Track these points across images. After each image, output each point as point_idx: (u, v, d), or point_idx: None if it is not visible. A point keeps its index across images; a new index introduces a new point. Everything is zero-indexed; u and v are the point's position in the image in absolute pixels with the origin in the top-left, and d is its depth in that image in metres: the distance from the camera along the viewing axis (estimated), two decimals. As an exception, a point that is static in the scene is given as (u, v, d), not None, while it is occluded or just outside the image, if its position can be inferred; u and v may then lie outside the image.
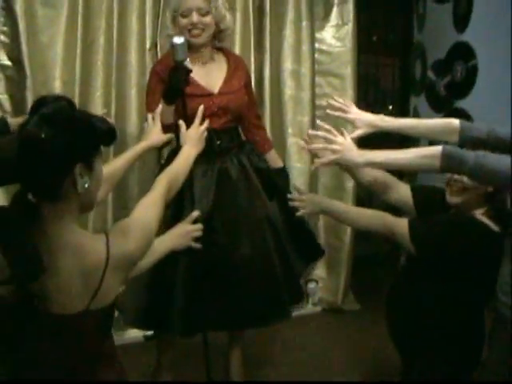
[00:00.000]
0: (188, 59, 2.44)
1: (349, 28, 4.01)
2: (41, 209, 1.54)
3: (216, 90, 2.73)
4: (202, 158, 2.60)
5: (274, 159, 3.01)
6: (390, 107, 4.81)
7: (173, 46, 2.42)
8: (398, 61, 4.55)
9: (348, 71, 4.01)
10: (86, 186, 1.54)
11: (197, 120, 2.34)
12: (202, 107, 2.41)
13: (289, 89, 3.92)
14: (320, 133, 2.28)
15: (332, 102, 2.45)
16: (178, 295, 2.62)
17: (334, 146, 2.18)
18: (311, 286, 4.00)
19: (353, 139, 2.25)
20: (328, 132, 2.23)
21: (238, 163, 2.79)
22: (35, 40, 3.22)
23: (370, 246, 4.19)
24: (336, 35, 4.03)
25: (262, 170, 2.86)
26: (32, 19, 3.21)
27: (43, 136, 1.46)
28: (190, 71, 2.47)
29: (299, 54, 3.92)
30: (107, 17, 3.40)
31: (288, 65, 3.90)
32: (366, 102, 4.56)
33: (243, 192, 2.77)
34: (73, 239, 1.53)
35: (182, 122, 2.36)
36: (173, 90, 2.48)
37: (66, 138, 1.48)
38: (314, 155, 2.63)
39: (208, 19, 2.67)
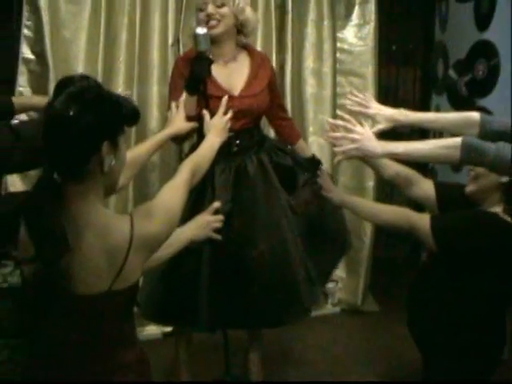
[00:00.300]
0: (210, 49, 2.45)
1: (370, 27, 4.00)
2: (66, 188, 1.54)
3: (237, 92, 2.70)
4: (221, 158, 2.61)
5: (303, 149, 3.00)
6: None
7: (195, 36, 2.43)
8: (418, 69, 4.50)
9: (369, 70, 4.01)
10: (112, 163, 1.55)
11: (221, 109, 2.34)
12: (226, 97, 2.41)
13: (310, 87, 3.92)
14: (339, 122, 2.28)
15: (351, 97, 2.44)
16: (203, 289, 2.59)
17: (354, 135, 2.17)
18: (330, 286, 3.97)
19: (374, 134, 2.24)
20: (347, 122, 2.22)
21: (257, 160, 2.77)
22: (58, 35, 3.25)
23: (390, 248, 4.16)
24: (358, 34, 4.03)
25: (283, 166, 2.84)
26: (55, 14, 3.25)
27: (71, 113, 1.47)
28: (212, 61, 2.47)
29: (321, 53, 3.92)
30: (130, 13, 3.42)
31: (309, 63, 3.91)
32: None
33: (261, 188, 2.74)
34: (97, 219, 1.53)
35: (205, 112, 2.37)
36: (195, 79, 2.48)
37: (94, 116, 1.49)
38: (334, 153, 2.64)
39: (224, 10, 2.65)
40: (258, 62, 2.79)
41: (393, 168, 2.57)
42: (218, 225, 2.29)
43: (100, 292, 1.51)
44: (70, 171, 1.53)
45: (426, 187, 2.55)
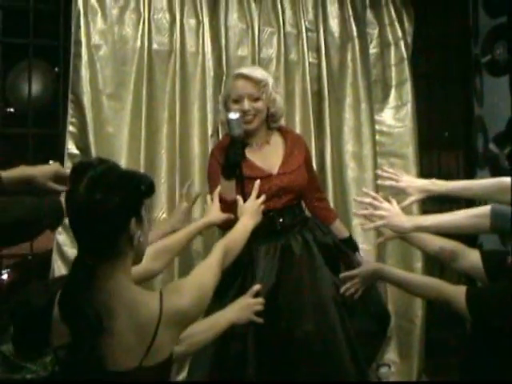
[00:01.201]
0: (243, 133, 2.50)
1: (408, 108, 4.02)
2: (97, 269, 1.56)
3: (275, 170, 2.73)
4: (265, 238, 2.63)
5: (339, 229, 2.98)
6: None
7: (228, 121, 2.49)
8: (460, 146, 4.47)
9: (410, 150, 3.99)
10: (141, 239, 1.58)
11: (253, 193, 2.38)
12: (258, 181, 2.44)
13: (351, 171, 3.91)
14: (366, 199, 2.28)
15: (382, 173, 2.45)
16: (250, 374, 2.55)
17: (381, 212, 2.17)
18: (383, 370, 3.82)
19: (406, 207, 2.24)
20: (374, 199, 2.22)
21: (302, 239, 2.76)
22: (102, 130, 3.37)
23: (443, 329, 4.01)
24: (396, 116, 4.05)
25: (327, 245, 2.82)
26: (98, 111, 3.38)
27: (98, 197, 1.50)
28: (247, 145, 2.52)
29: (360, 136, 3.92)
30: (170, 107, 3.54)
31: (349, 147, 3.91)
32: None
33: (307, 268, 2.72)
34: (127, 295, 1.55)
35: (239, 197, 2.40)
36: (230, 163, 2.52)
37: (119, 196, 1.53)
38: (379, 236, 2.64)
39: (259, 104, 2.72)
40: (292, 140, 2.84)
41: (436, 243, 2.52)
42: (259, 307, 2.29)
43: (131, 368, 1.50)
44: (103, 252, 1.55)
45: (472, 258, 2.48)
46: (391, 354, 3.87)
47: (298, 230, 2.78)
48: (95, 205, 1.50)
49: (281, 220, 2.73)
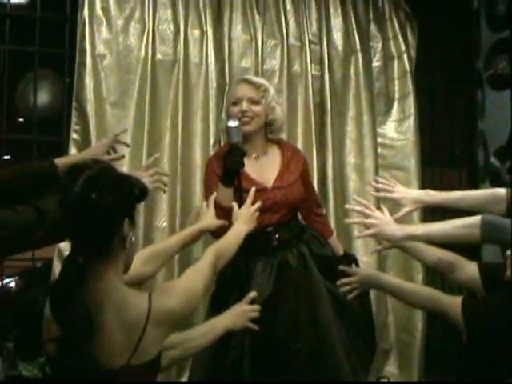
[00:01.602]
0: (242, 141, 2.52)
1: (411, 121, 4.04)
2: (89, 268, 1.59)
3: (270, 184, 2.73)
4: (262, 255, 2.67)
5: (335, 245, 2.97)
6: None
7: (227, 128, 2.51)
8: (463, 167, 4.47)
9: (412, 163, 4.01)
10: (133, 239, 1.62)
11: (249, 199, 2.36)
12: (253, 189, 2.43)
13: (353, 182, 3.92)
14: (357, 207, 2.29)
15: (375, 184, 2.46)
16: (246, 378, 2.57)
17: (371, 221, 2.18)
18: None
19: (400, 218, 2.24)
20: (365, 207, 2.23)
21: (298, 253, 2.76)
22: (105, 138, 3.37)
23: (443, 341, 3.99)
24: (398, 129, 4.06)
25: (323, 257, 2.82)
26: (102, 118, 3.42)
27: (94, 196, 1.53)
28: (245, 153, 2.53)
29: (362, 149, 3.94)
30: (172, 116, 3.57)
31: (351, 159, 3.93)
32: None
33: (303, 281, 2.73)
34: (117, 295, 1.58)
35: (234, 203, 2.40)
36: (229, 171, 2.53)
37: (114, 196, 1.57)
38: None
39: (258, 108, 2.74)
40: (289, 154, 2.83)
41: (434, 254, 2.52)
42: (255, 314, 2.29)
43: (119, 366, 1.52)
44: (96, 251, 1.58)
45: (470, 270, 2.47)
46: (391, 367, 3.86)
47: (294, 244, 2.78)
48: (90, 203, 1.53)
49: (277, 236, 2.73)
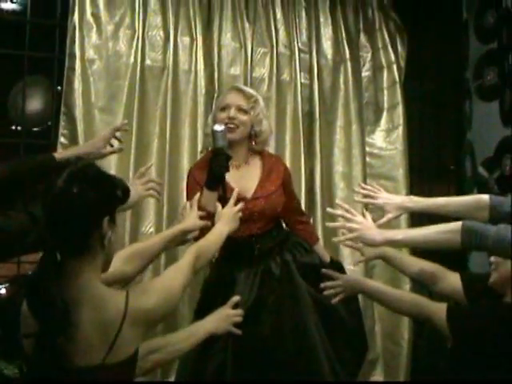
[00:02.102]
0: (228, 146, 2.52)
1: (399, 131, 4.06)
2: (66, 265, 1.59)
3: (250, 194, 2.72)
4: (245, 264, 2.69)
5: (320, 253, 2.95)
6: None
7: (213, 132, 2.51)
8: (451, 177, 4.48)
9: (400, 173, 4.02)
10: (112, 239, 1.61)
11: (231, 200, 2.36)
12: (236, 189, 2.45)
13: (340, 191, 3.93)
14: (338, 211, 2.29)
15: (359, 189, 2.46)
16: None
17: (352, 225, 2.17)
18: (369, 391, 3.80)
19: (384, 224, 2.24)
20: (346, 211, 2.23)
21: (281, 261, 2.77)
22: (92, 142, 3.39)
23: (430, 352, 3.98)
24: (387, 139, 4.08)
25: (307, 264, 2.81)
26: (90, 123, 3.43)
27: (75, 191, 1.53)
28: (231, 157, 2.52)
29: (350, 158, 3.95)
30: (161, 122, 3.58)
31: (339, 168, 3.94)
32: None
33: (287, 289, 2.73)
34: (94, 292, 1.57)
35: (218, 204, 2.39)
36: (215, 175, 2.52)
37: (95, 193, 1.57)
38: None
39: (245, 117, 2.73)
40: (270, 164, 2.82)
41: (416, 265, 2.54)
42: (238, 319, 2.30)
43: (94, 364, 1.51)
44: (74, 247, 1.58)
45: (452, 281, 2.47)
46: (377, 376, 3.85)
47: (277, 252, 2.78)
48: (71, 198, 1.53)
49: (258, 246, 2.73)
